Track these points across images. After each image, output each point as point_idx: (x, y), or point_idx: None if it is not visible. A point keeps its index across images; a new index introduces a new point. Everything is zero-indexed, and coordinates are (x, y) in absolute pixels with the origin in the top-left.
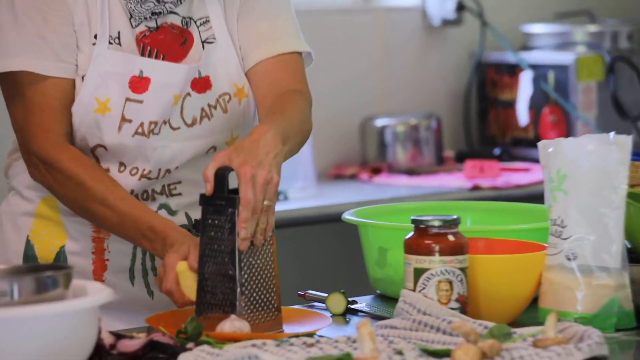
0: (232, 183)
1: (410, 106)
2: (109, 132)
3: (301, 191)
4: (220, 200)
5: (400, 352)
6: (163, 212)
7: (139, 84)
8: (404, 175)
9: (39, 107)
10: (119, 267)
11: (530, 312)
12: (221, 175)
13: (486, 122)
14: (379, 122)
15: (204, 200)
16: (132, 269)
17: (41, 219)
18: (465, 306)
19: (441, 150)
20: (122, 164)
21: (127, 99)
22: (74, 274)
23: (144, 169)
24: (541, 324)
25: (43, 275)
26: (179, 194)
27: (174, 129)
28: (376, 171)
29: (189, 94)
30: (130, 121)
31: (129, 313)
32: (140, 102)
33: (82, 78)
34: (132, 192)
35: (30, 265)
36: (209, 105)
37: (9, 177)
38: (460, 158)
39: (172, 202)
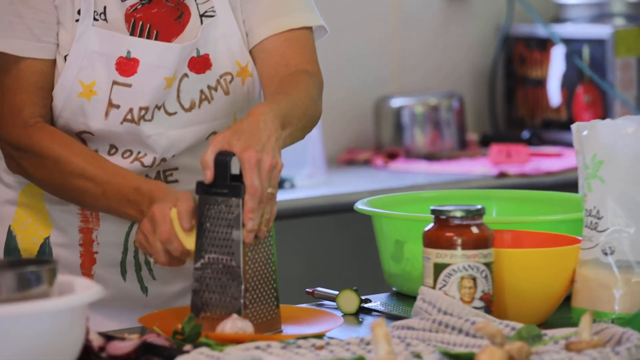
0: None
1: (430, 84)
2: (95, 118)
3: (309, 178)
4: (222, 188)
5: (418, 356)
6: None
7: (127, 65)
8: (423, 161)
9: (10, 90)
10: (109, 261)
11: (563, 312)
12: (223, 161)
13: (514, 103)
14: (395, 102)
15: (201, 188)
16: (124, 262)
17: (25, 207)
18: (491, 305)
19: (464, 133)
20: (113, 146)
21: (114, 82)
22: (59, 269)
23: (138, 152)
24: (575, 325)
25: (25, 271)
26: (176, 181)
27: (169, 114)
28: (392, 156)
29: (186, 75)
30: (118, 107)
31: (121, 311)
32: (129, 85)
33: (65, 58)
34: None
35: (11, 259)
36: (209, 87)
37: None
38: (485, 142)
39: None
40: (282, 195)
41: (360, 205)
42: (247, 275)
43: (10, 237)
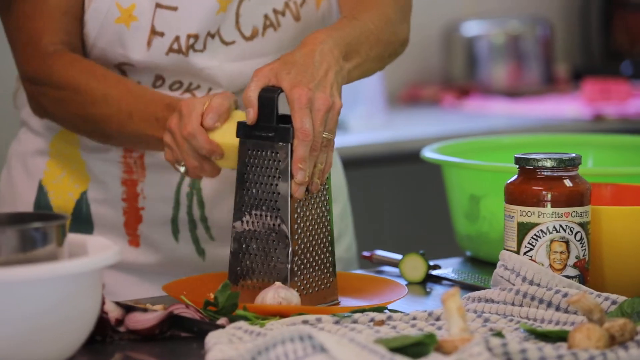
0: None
1: (511, 7)
2: (135, 48)
3: (365, 120)
4: (268, 131)
5: (499, 334)
6: None
7: None
8: (502, 99)
9: (28, 17)
10: (158, 219)
11: None
12: (269, 98)
13: (611, 30)
14: (469, 29)
15: (243, 131)
16: (176, 219)
17: (57, 158)
18: (586, 274)
19: (551, 66)
20: (159, 77)
21: (158, 5)
22: (99, 229)
23: (190, 83)
24: None
25: (29, 228)
26: None
27: (226, 43)
28: (464, 93)
29: None
30: (162, 34)
31: (173, 278)
32: (174, 9)
33: None
34: None
35: (13, 213)
36: (275, 11)
37: (18, 107)
38: (577, 76)
39: None
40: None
41: (427, 153)
42: (296, 237)
43: (42, 193)
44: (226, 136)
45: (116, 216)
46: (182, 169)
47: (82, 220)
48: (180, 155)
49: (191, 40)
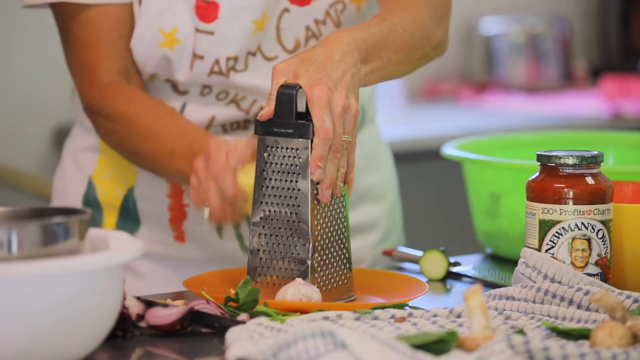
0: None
1: (529, 4)
2: (180, 70)
3: (384, 115)
4: (287, 127)
5: (521, 331)
6: None
7: (207, 10)
8: (521, 95)
9: (84, 44)
10: (202, 215)
11: None
12: (287, 95)
13: (629, 27)
14: (487, 27)
15: (261, 128)
16: None
17: (107, 154)
18: (608, 271)
19: (570, 62)
20: (206, 86)
21: (197, 30)
22: (145, 225)
23: (236, 94)
24: None
25: (51, 222)
26: None
27: (269, 59)
28: (483, 89)
29: (286, 10)
30: (202, 58)
31: None
32: (211, 33)
33: (140, 2)
34: (212, 120)
35: (35, 208)
36: (316, 21)
37: (73, 104)
38: (595, 73)
39: None
40: None
41: (448, 150)
42: (316, 233)
43: (90, 188)
44: (250, 177)
45: (162, 212)
46: (206, 211)
47: (129, 216)
48: (204, 195)
49: (231, 63)
